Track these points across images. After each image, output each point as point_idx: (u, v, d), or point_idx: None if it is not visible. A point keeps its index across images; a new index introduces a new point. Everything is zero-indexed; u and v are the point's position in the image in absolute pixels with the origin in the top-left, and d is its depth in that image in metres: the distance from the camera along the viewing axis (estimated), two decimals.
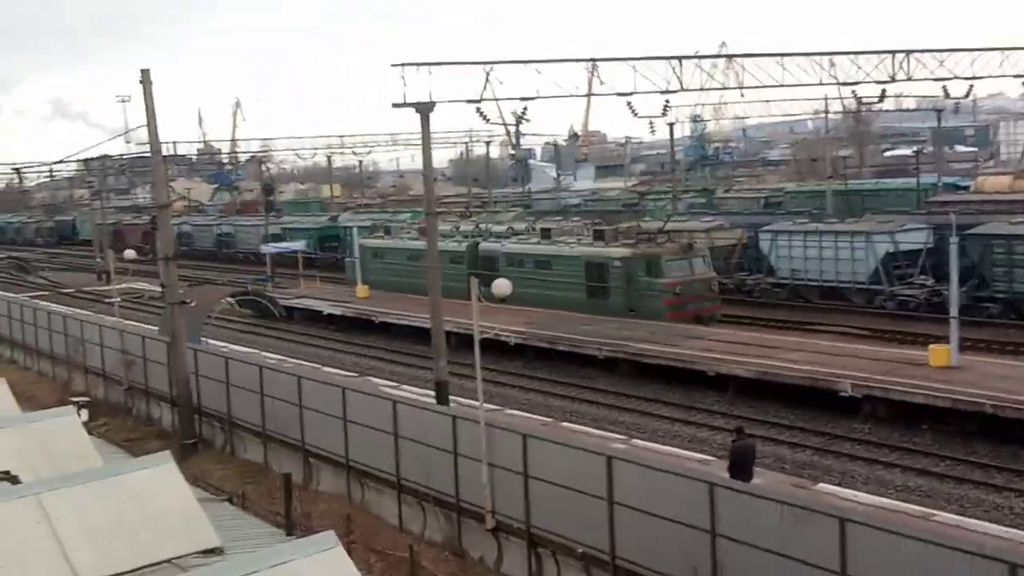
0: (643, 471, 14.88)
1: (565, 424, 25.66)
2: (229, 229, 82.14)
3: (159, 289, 52.13)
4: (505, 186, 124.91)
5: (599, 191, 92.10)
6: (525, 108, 52.25)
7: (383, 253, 48.99)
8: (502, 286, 18.19)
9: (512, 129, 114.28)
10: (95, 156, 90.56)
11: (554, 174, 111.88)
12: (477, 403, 18.33)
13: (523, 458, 16.66)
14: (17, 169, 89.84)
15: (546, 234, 43.81)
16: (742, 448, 18.02)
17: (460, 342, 35.03)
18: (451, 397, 25.30)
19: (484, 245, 44.82)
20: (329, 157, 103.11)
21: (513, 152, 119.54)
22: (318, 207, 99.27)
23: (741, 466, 17.58)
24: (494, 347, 33.60)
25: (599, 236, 40.62)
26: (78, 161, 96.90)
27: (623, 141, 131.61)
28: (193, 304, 29.93)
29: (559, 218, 55.00)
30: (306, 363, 34.69)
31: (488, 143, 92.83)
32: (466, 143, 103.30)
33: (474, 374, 18.87)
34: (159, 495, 10.34)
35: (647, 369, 31.08)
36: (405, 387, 29.63)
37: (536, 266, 40.98)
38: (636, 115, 58.89)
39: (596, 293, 38.63)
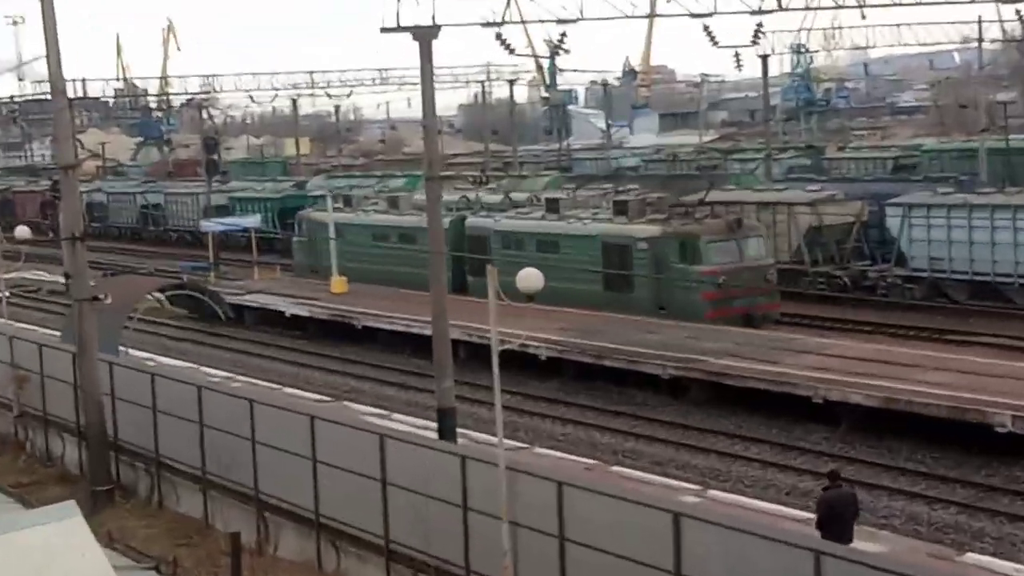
0: (723, 533, 14.86)
1: (615, 469, 25.66)
2: (158, 199, 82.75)
3: (62, 280, 52.98)
4: (535, 141, 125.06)
5: (664, 148, 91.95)
6: (563, 35, 51.93)
7: (341, 231, 49.60)
8: (530, 278, 18.05)
9: (546, 64, 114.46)
10: None
11: (603, 125, 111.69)
12: (495, 438, 18.34)
13: (558, 514, 16.67)
14: None
15: (553, 206, 44.32)
16: (836, 499, 18.08)
17: (472, 355, 35.07)
18: (459, 430, 25.34)
19: (472, 221, 45.69)
20: (295, 101, 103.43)
21: (547, 95, 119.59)
22: (279, 169, 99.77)
23: (835, 522, 17.63)
24: (519, 362, 33.63)
25: (621, 209, 40.82)
26: None
27: (697, 80, 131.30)
28: (109, 301, 30.10)
29: (608, 185, 55.04)
30: (261, 382, 34.88)
31: (512, 82, 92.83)
32: (482, 83, 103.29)
33: (491, 399, 18.87)
34: (62, 559, 10.42)
35: (729, 394, 31.09)
36: (397, 416, 29.72)
37: (539, 249, 41.39)
38: (716, 44, 58.92)
39: (616, 284, 39.22)
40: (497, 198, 49.85)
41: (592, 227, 40.45)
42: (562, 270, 38.46)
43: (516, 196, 49.69)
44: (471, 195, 49.53)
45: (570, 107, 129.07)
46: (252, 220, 54.04)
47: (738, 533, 14.79)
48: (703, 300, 37.15)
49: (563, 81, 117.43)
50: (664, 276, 37.38)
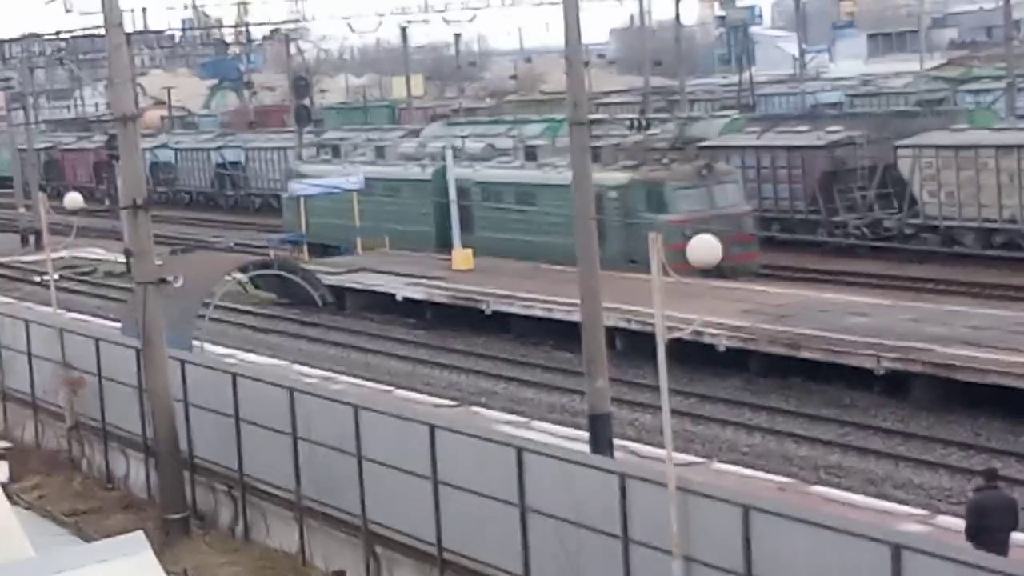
0: (958, 571, 14.69)
1: (815, 489, 25.50)
2: (237, 156, 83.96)
3: (122, 259, 54.04)
4: (709, 73, 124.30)
5: (874, 78, 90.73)
6: None
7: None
8: (704, 247, 17.83)
9: None
10: (13, 37, 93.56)
11: (795, 50, 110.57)
12: (662, 451, 18.33)
13: (743, 547, 16.63)
14: None
15: (531, 154, 50.80)
16: (987, 503, 18.19)
17: (631, 346, 35.06)
18: (617, 441, 25.37)
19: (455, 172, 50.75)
20: (404, 29, 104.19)
21: (722, 13, 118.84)
22: (386, 115, 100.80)
23: (987, 532, 17.79)
24: (692, 354, 33.55)
25: (595, 156, 42.52)
26: None
27: None
28: (180, 284, 30.65)
29: (803, 128, 54.63)
30: (368, 383, 35.27)
31: None
32: (640, 1, 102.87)
33: (655, 401, 18.88)
34: None
35: (963, 393, 30.69)
36: (538, 424, 29.84)
37: (517, 200, 47.73)
38: None
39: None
40: (480, 146, 55.86)
41: (566, 175, 41.67)
42: (539, 224, 45.77)
43: (501, 143, 55.91)
44: (457, 143, 55.12)
45: (753, 29, 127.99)
46: (354, 180, 54.38)
47: (976, 571, 14.60)
48: (669, 251, 37.35)
49: None
50: (633, 227, 41.83)
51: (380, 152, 58.67)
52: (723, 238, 41.89)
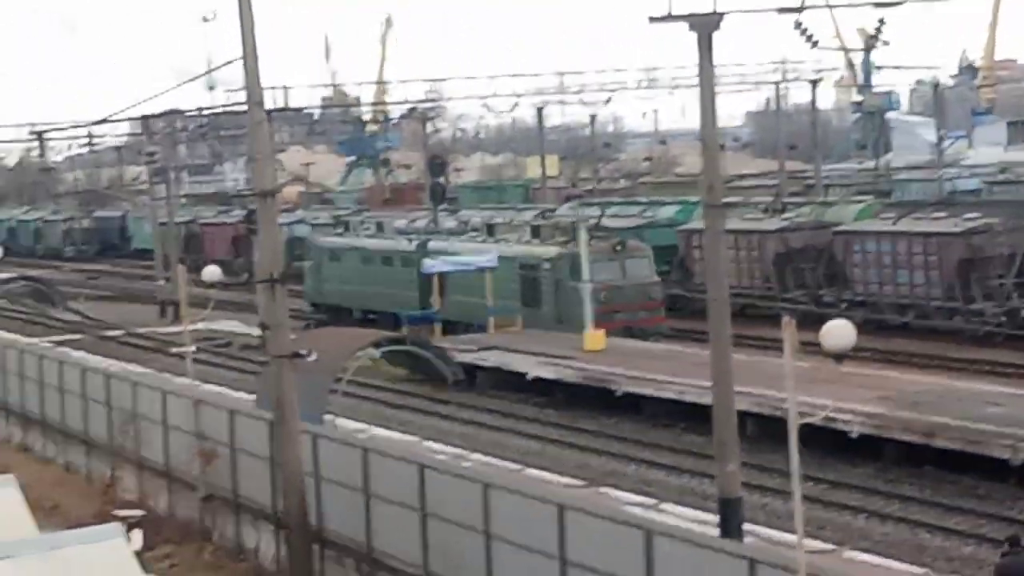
0: None
1: None
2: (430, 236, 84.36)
3: (258, 332, 54.58)
4: (845, 158, 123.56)
5: (1013, 165, 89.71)
6: (881, 21, 51.58)
7: (338, 255, 65.76)
8: (839, 332, 17.67)
9: (858, 59, 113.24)
10: (157, 112, 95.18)
11: (932, 136, 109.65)
12: (793, 537, 18.11)
13: None
14: (39, 134, 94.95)
15: (491, 231, 60.92)
16: (1016, 568, 18.22)
17: (763, 430, 34.77)
18: (747, 526, 25.11)
19: (433, 244, 60.72)
20: (540, 109, 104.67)
21: (859, 98, 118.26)
22: (520, 194, 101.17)
23: None
24: (824, 440, 33.20)
25: (536, 232, 57.35)
26: (131, 119, 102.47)
27: None
28: (313, 358, 30.83)
29: (941, 213, 54.20)
30: (497, 461, 35.24)
31: (815, 83, 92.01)
32: (776, 84, 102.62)
33: (786, 487, 18.69)
34: None
35: None
36: (667, 507, 29.64)
37: (479, 270, 53.91)
38: None
39: (529, 301, 53.46)
40: (453, 223, 69.79)
41: (514, 249, 55.69)
42: (495, 290, 53.18)
43: (474, 220, 68.34)
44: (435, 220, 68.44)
45: (889, 114, 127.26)
46: (488, 258, 54.71)
47: None
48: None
49: (880, 81, 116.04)
50: (561, 292, 51.84)
51: (380, 227, 68.16)
52: (631, 303, 51.11)
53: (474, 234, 62.90)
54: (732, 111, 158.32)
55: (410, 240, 63.08)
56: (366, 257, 63.56)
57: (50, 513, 31.55)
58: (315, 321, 63.80)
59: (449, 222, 70.42)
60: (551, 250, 53.86)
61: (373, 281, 62.07)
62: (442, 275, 56.13)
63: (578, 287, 49.44)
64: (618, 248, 52.66)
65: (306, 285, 67.27)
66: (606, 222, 62.95)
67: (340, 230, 70.52)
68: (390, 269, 61.90)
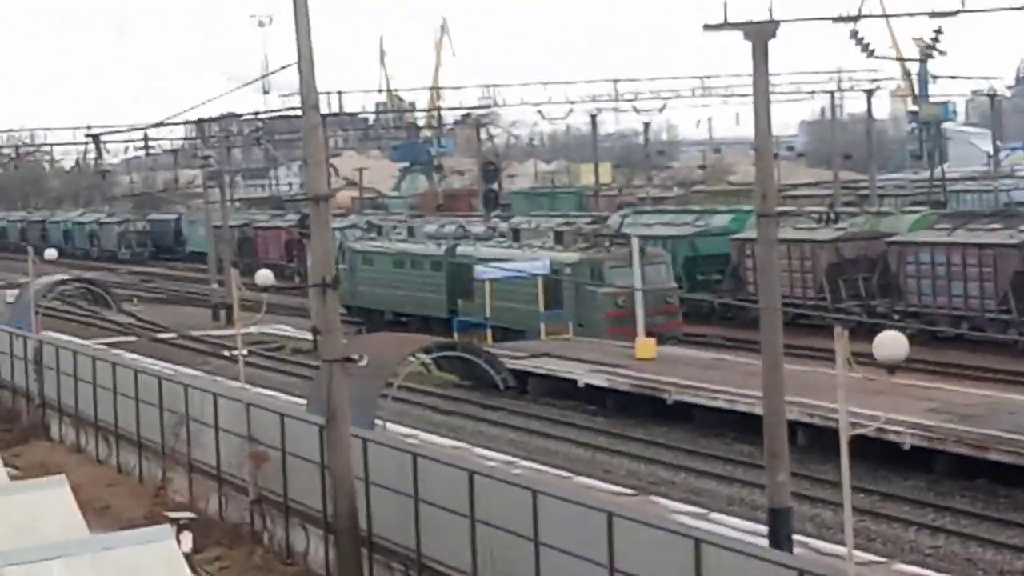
0: None
1: None
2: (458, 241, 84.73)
3: (309, 337, 54.69)
4: (900, 168, 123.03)
5: None
6: (938, 31, 51.41)
7: (369, 259, 66.98)
8: (892, 343, 17.65)
9: (914, 69, 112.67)
10: (213, 116, 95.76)
11: (989, 147, 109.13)
12: (842, 549, 18.04)
13: None
14: (95, 136, 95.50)
15: (516, 236, 63.67)
16: None
17: (814, 441, 34.64)
18: (796, 537, 25.01)
19: (461, 249, 62.74)
20: (594, 117, 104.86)
21: (915, 109, 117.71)
22: (573, 201, 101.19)
23: None
24: (875, 452, 33.05)
25: (558, 238, 59.31)
26: (186, 123, 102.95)
27: None
28: (364, 363, 30.95)
29: (996, 224, 53.87)
30: (547, 468, 35.22)
31: (871, 93, 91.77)
32: (831, 94, 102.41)
33: (836, 498, 18.62)
34: None
35: None
36: (716, 516, 29.56)
37: (530, 277, 55.20)
38: None
39: (552, 306, 54.81)
40: (481, 228, 73.23)
41: (536, 254, 57.11)
42: (520, 295, 55.17)
43: (501, 226, 71.03)
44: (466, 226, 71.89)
45: (946, 124, 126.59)
46: (539, 265, 54.91)
47: None
48: (605, 318, 52.49)
49: (937, 91, 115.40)
50: (580, 297, 53.59)
51: (411, 231, 70.30)
52: (649, 309, 50.91)
53: (500, 239, 65.58)
54: (787, 120, 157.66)
55: (439, 244, 65.13)
56: (397, 261, 65.20)
57: (101, 514, 31.75)
58: (363, 327, 63.96)
59: (477, 228, 73.69)
60: (572, 256, 55.81)
61: (403, 284, 63.79)
62: (491, 281, 56.25)
63: (597, 292, 52.72)
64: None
65: (340, 288, 67.51)
66: (659, 231, 64.98)
67: (372, 234, 72.63)
68: (420, 272, 63.47)
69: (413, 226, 71.33)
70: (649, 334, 49.16)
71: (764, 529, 25.13)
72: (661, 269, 54.46)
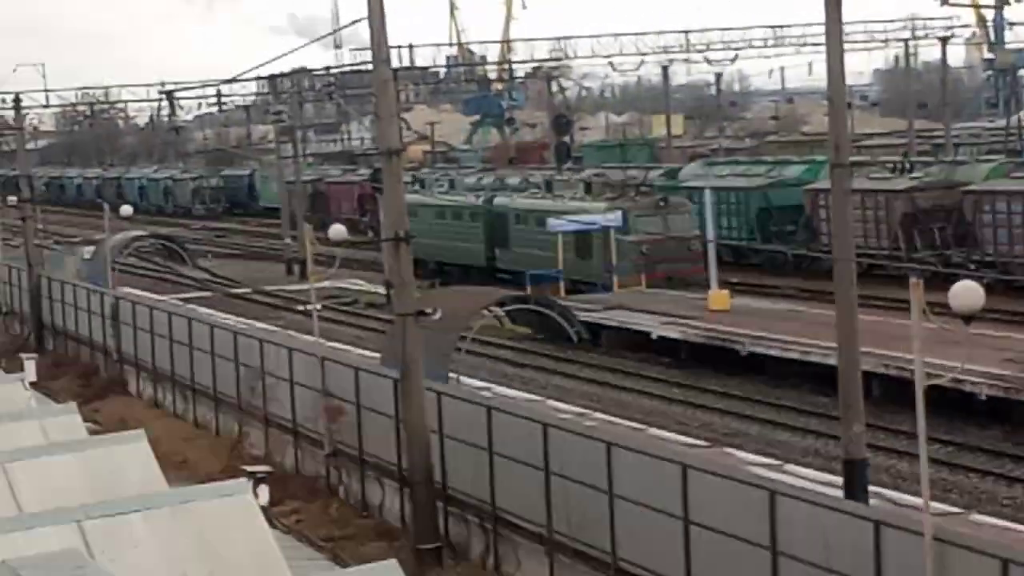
0: None
1: None
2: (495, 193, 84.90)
3: (383, 291, 54.94)
4: (976, 117, 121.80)
5: None
6: None
7: (414, 211, 67.59)
8: (969, 294, 17.43)
9: (990, 15, 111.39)
10: (285, 72, 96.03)
11: None
12: (918, 500, 17.99)
13: None
14: (168, 93, 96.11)
15: (549, 187, 68.67)
16: None
17: (889, 392, 34.51)
18: (872, 488, 24.97)
19: (498, 200, 65.84)
20: (665, 68, 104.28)
21: (991, 56, 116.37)
22: (645, 154, 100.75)
23: None
24: (951, 403, 32.88)
25: (588, 189, 64.94)
26: (258, 79, 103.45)
27: None
28: (438, 317, 31.12)
29: None
30: (621, 421, 35.30)
31: (945, 40, 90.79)
32: (905, 42, 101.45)
33: (912, 449, 18.54)
34: None
35: None
36: (791, 468, 29.55)
37: (537, 224, 59.04)
38: None
39: (582, 253, 56.55)
40: (516, 179, 77.05)
41: (568, 204, 59.79)
42: (551, 244, 56.65)
43: (534, 178, 74.72)
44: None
45: (1022, 72, 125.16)
46: (611, 217, 54.90)
47: None
48: (631, 264, 54.34)
49: (1013, 38, 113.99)
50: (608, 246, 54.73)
51: (452, 184, 74.08)
52: (672, 256, 54.50)
53: (535, 191, 69.68)
54: (860, 69, 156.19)
55: (477, 196, 68.21)
56: (439, 212, 67.19)
57: (179, 467, 32.10)
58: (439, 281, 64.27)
59: (513, 179, 76.32)
60: (600, 205, 57.79)
61: (444, 235, 65.52)
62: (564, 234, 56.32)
63: (624, 241, 54.45)
64: (661, 204, 56.81)
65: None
66: (731, 182, 65.52)
67: (416, 187, 74.88)
68: (459, 223, 65.67)
69: (454, 179, 74.14)
70: (668, 278, 53.60)
71: (839, 480, 25.09)
72: (684, 218, 56.45)
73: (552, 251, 56.17)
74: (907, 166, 61.47)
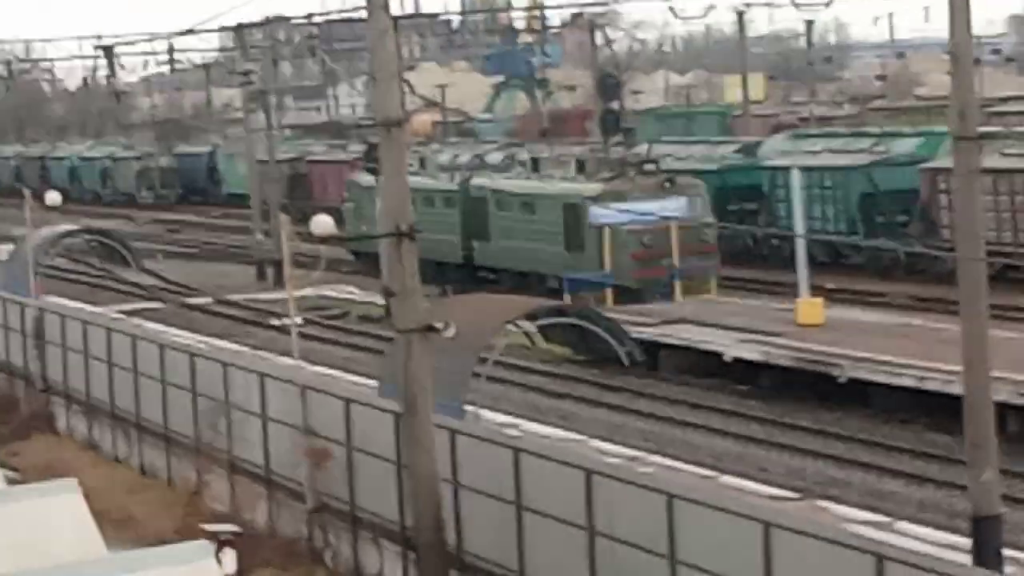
0: None
1: None
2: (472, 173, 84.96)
3: (380, 301, 54.85)
4: None
5: None
6: None
7: (380, 194, 68.42)
8: None
9: None
10: (255, 21, 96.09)
11: None
12: None
13: None
14: (107, 48, 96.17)
15: (535, 165, 66.21)
16: None
17: None
18: (1008, 552, 24.95)
19: (476, 182, 66.34)
20: (740, 14, 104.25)
21: None
22: (715, 124, 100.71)
23: None
24: None
25: (581, 167, 62.10)
26: (221, 30, 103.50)
27: None
28: (451, 333, 31.08)
29: None
30: (683, 467, 35.28)
31: None
32: None
33: None
34: None
35: None
36: (902, 526, 29.51)
37: (521, 210, 61.04)
38: None
39: (573, 245, 57.63)
40: (500, 156, 78.34)
41: (556, 186, 60.68)
42: (535, 233, 59.10)
43: (521, 155, 74.55)
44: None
45: None
46: (675, 205, 54.93)
47: None
48: (630, 259, 55.16)
49: None
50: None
51: (422, 163, 72.53)
52: (681, 247, 54.81)
53: (520, 170, 69.66)
54: (991, 15, 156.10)
55: (452, 177, 68.89)
56: (416, 198, 66.84)
57: (122, 526, 32.20)
58: (456, 287, 64.27)
59: (494, 157, 78.82)
60: (594, 187, 58.48)
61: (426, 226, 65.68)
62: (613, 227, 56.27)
63: (621, 229, 55.07)
64: (666, 186, 57.32)
65: (346, 229, 70.84)
66: (826, 160, 65.41)
67: (415, 168, 73.93)
68: (430, 211, 65.19)
69: (424, 157, 74.69)
70: (684, 286, 54.13)
71: (966, 542, 25.08)
72: (696, 202, 57.15)
73: (546, 243, 57.67)
74: None
